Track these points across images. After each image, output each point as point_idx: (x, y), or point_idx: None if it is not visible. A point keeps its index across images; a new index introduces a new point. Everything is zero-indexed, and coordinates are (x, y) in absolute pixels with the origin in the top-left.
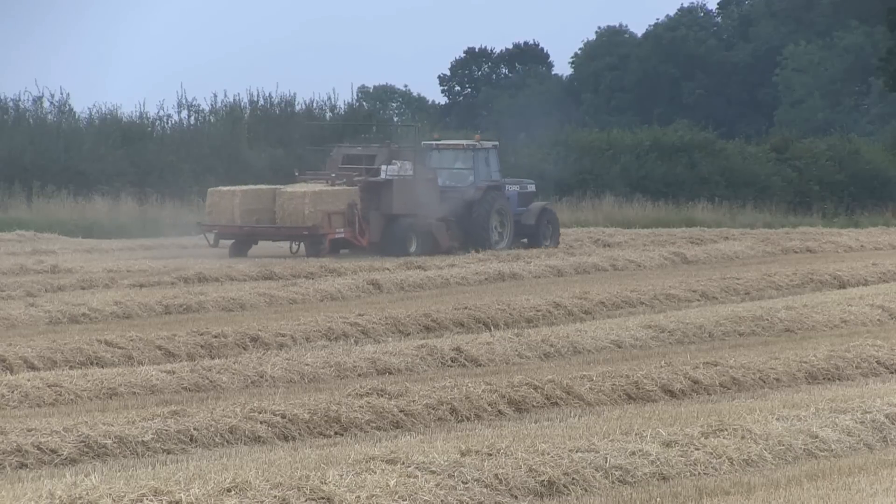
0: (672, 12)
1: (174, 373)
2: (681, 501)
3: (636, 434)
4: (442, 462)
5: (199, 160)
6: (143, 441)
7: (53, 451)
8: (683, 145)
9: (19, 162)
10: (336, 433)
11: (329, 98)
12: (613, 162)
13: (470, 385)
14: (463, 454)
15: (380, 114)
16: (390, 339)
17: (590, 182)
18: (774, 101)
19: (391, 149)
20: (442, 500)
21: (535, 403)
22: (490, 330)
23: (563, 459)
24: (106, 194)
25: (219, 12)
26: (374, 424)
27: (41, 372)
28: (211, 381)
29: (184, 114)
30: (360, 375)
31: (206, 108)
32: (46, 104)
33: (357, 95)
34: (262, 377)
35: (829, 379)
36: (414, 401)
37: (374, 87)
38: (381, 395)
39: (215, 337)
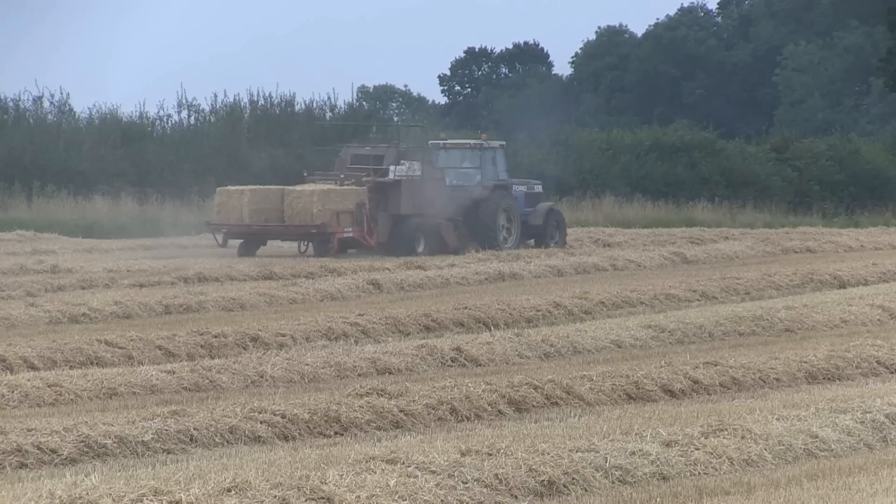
0: (672, 12)
1: (174, 373)
2: (681, 501)
3: (636, 434)
4: (442, 462)
5: (199, 160)
6: (143, 441)
7: (53, 451)
8: (683, 145)
9: (19, 162)
10: (336, 433)
11: (329, 98)
12: (613, 162)
13: (470, 385)
14: (463, 454)
15: (380, 114)
16: (390, 339)
17: (590, 182)
18: (774, 101)
19: (399, 149)
20: (442, 500)
21: (535, 403)
22: (490, 330)
23: (563, 459)
24: (106, 194)
25: (218, 12)
26: (374, 424)
27: (41, 372)
28: (211, 381)
29: (184, 114)
30: (360, 375)
31: (206, 108)
32: (46, 104)
33: (357, 95)
34: (262, 377)
35: (829, 379)
36: (414, 401)
37: (374, 87)
38: (381, 395)
39: (215, 337)
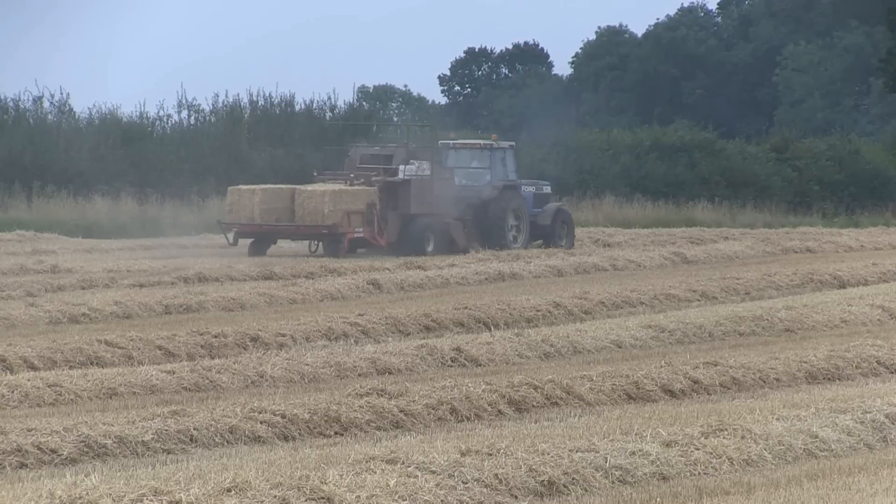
0: (672, 12)
1: (174, 373)
2: (681, 501)
3: (636, 434)
4: (442, 462)
5: (199, 160)
6: (143, 441)
7: (53, 451)
8: (683, 145)
9: (19, 162)
10: (336, 433)
11: (329, 98)
12: (613, 162)
13: (470, 385)
14: (463, 454)
15: (380, 114)
16: (390, 339)
17: (590, 182)
18: (774, 101)
19: (409, 149)
20: (442, 500)
21: (535, 403)
22: (490, 330)
23: (563, 459)
24: (106, 194)
25: (218, 12)
26: (374, 424)
27: (41, 372)
28: (211, 381)
29: (184, 114)
30: (360, 375)
31: (207, 108)
32: (46, 104)
33: (357, 95)
34: (262, 377)
35: (829, 379)
36: (414, 401)
37: (374, 87)
38: (381, 395)
39: (215, 337)
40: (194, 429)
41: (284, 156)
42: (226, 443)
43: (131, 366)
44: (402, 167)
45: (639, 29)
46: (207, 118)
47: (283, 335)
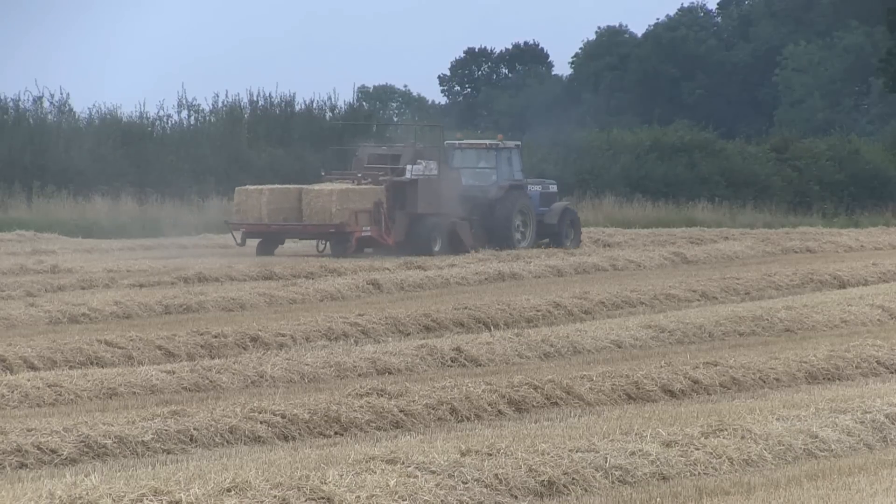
0: (672, 12)
1: (174, 373)
2: (681, 501)
3: (636, 434)
4: (442, 462)
5: (199, 160)
6: (143, 441)
7: (53, 451)
8: (683, 145)
9: (19, 162)
10: (336, 433)
11: (329, 98)
12: (613, 162)
13: (470, 385)
14: (463, 454)
15: (380, 114)
16: (390, 339)
17: (590, 182)
18: (774, 101)
19: (416, 148)
20: (442, 500)
21: (535, 403)
22: (490, 330)
23: (563, 459)
24: (106, 194)
25: (218, 12)
26: (374, 424)
27: (41, 372)
28: (211, 381)
29: (184, 114)
30: (360, 375)
31: (207, 108)
32: (46, 104)
33: (357, 95)
34: (262, 377)
35: (829, 379)
36: (414, 401)
37: (374, 87)
38: (381, 395)
39: (215, 337)
40: (194, 429)
41: (284, 156)
42: (226, 443)
43: (131, 366)
44: (409, 167)
45: (639, 29)
46: (207, 118)
47: (283, 335)
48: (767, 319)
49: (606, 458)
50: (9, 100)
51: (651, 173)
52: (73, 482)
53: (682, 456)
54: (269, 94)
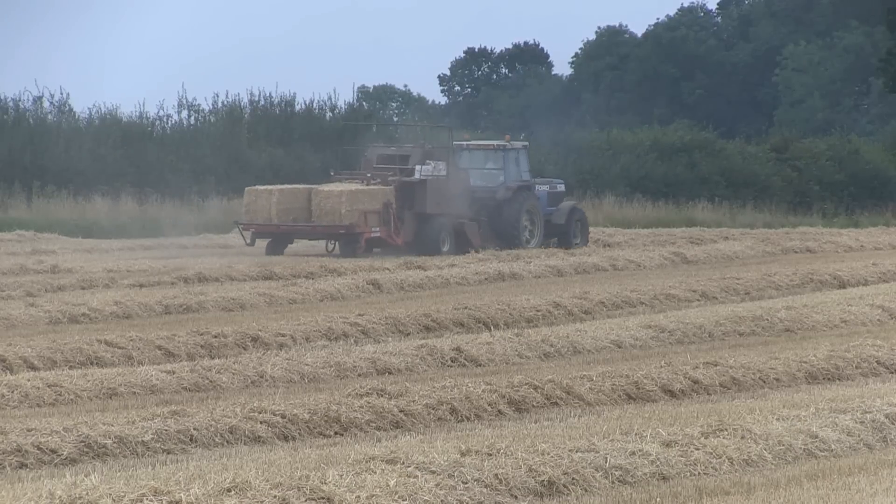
0: (672, 12)
1: (174, 373)
2: (681, 501)
3: (636, 434)
4: (442, 462)
5: (199, 160)
6: (143, 441)
7: (53, 451)
8: (683, 145)
9: (19, 162)
10: (336, 433)
11: (329, 98)
12: (613, 162)
13: (470, 385)
14: (463, 454)
15: (380, 114)
16: (390, 339)
17: (590, 182)
18: (774, 101)
19: (425, 149)
20: (442, 500)
21: (535, 403)
22: (490, 330)
23: (563, 459)
24: (106, 194)
25: (218, 12)
26: (374, 424)
27: (41, 372)
28: (211, 381)
29: (184, 114)
30: (360, 375)
31: (206, 108)
32: (46, 104)
33: (357, 95)
34: (262, 377)
35: (829, 379)
36: (414, 401)
37: (374, 87)
38: (381, 395)
39: (215, 337)
40: (194, 429)
41: (284, 156)
42: (226, 443)
43: (131, 366)
44: (418, 167)
45: (639, 29)
46: (207, 118)
47: (283, 335)
48: (767, 319)
49: (606, 458)
50: (9, 100)
51: (651, 173)
52: (73, 482)
53: (682, 456)
54: (269, 94)
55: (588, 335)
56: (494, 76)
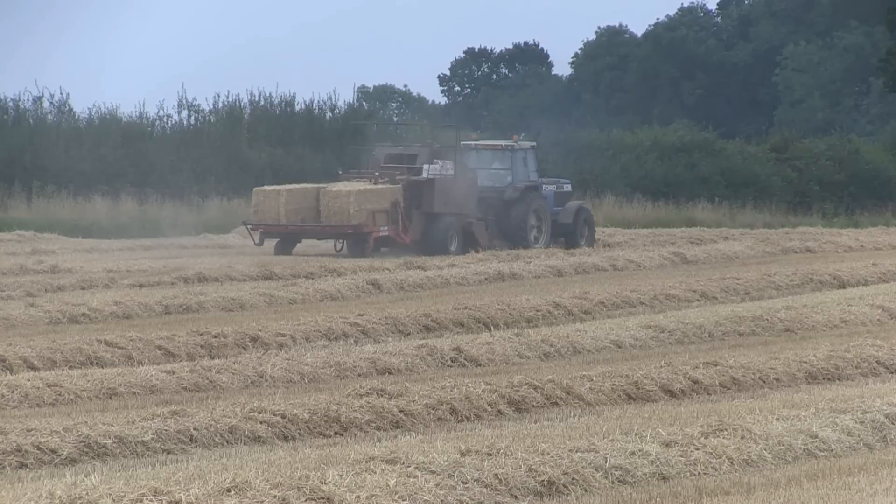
0: (672, 12)
1: (174, 373)
2: (681, 501)
3: (636, 434)
4: (442, 462)
5: (199, 160)
6: (143, 441)
7: (53, 451)
8: (683, 145)
9: (19, 162)
10: (336, 433)
11: (329, 98)
12: (613, 162)
13: (470, 385)
14: (463, 454)
15: (380, 114)
16: (390, 339)
17: (590, 182)
18: (774, 101)
19: (433, 148)
20: (442, 500)
21: (535, 403)
22: (490, 330)
23: (563, 459)
24: (106, 194)
25: (218, 12)
26: (374, 424)
27: (41, 372)
28: (211, 381)
29: (184, 114)
30: (360, 375)
31: (206, 108)
32: (46, 104)
33: (357, 95)
34: (262, 377)
35: (829, 379)
36: (414, 401)
37: (374, 87)
38: (381, 395)
39: (215, 337)
40: (194, 429)
41: (284, 156)
42: (226, 443)
43: (131, 366)
44: (426, 166)
45: (639, 29)
46: (207, 118)
47: (283, 335)
48: (767, 319)
49: (606, 458)
50: (9, 100)
51: (651, 173)
52: (73, 482)
53: (682, 456)
54: (269, 95)
55: (588, 335)
56: (494, 76)
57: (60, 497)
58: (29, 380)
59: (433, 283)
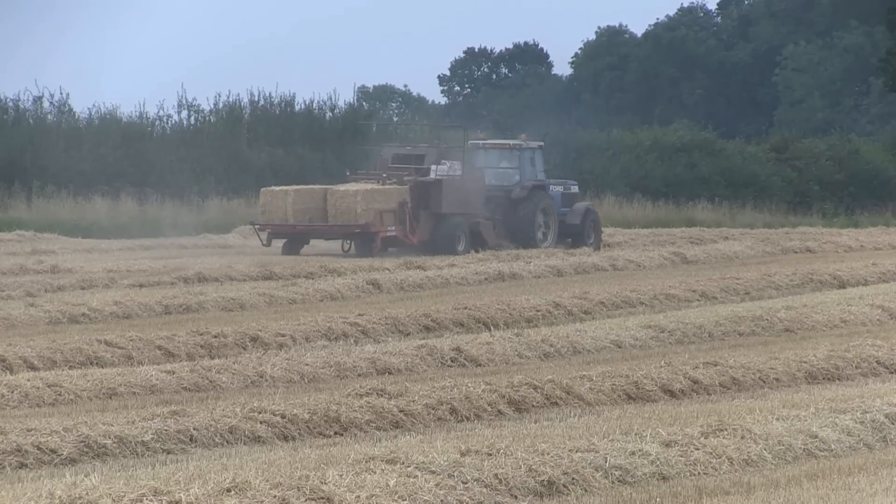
0: (672, 12)
1: (174, 373)
2: (681, 501)
3: (636, 434)
4: (442, 462)
5: (199, 160)
6: (143, 441)
7: (53, 451)
8: (683, 145)
9: (19, 162)
10: (336, 433)
11: (329, 98)
12: (613, 162)
13: (470, 385)
14: (463, 454)
15: (380, 114)
16: (390, 339)
17: (590, 182)
18: (774, 101)
19: (440, 149)
20: (442, 500)
21: (535, 403)
22: (490, 330)
23: (563, 459)
24: (106, 194)
25: (218, 12)
26: (374, 424)
27: (41, 372)
28: (211, 381)
29: (184, 114)
30: (360, 375)
31: (206, 108)
32: (46, 104)
33: (357, 95)
34: (262, 377)
35: (829, 379)
36: (414, 401)
37: (374, 87)
38: (381, 395)
39: (215, 337)
40: (194, 429)
41: (284, 156)
42: (226, 443)
43: (131, 366)
44: (433, 167)
45: (639, 29)
46: (207, 118)
47: (283, 335)
48: (767, 319)
49: (606, 458)
50: (9, 100)
51: (651, 173)
52: (73, 482)
53: (681, 456)
54: (269, 94)
55: (588, 335)
56: (494, 76)
57: (60, 497)
58: (29, 380)
59: (433, 283)
